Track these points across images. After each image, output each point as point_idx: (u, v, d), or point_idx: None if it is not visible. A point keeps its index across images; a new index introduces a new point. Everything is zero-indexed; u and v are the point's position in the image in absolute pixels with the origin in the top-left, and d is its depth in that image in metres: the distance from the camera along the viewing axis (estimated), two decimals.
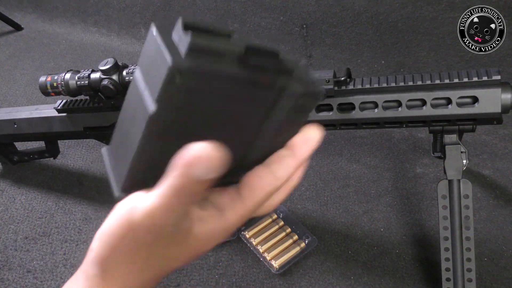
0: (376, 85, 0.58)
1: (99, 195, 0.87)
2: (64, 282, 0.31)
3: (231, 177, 0.28)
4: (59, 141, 0.92)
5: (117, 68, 0.67)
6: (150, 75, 0.23)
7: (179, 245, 0.28)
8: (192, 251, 0.28)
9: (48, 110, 0.80)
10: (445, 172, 0.59)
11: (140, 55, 0.24)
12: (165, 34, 0.23)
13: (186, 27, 0.22)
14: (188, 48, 0.21)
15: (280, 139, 0.29)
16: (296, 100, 0.27)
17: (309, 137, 0.29)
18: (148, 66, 0.23)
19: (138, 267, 0.28)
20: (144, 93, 0.23)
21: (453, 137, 0.59)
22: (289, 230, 0.75)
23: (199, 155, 0.23)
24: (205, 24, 0.23)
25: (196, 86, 0.22)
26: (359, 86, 0.59)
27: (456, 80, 0.55)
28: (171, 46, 0.22)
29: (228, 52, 0.23)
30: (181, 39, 0.22)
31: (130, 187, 0.26)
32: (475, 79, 0.54)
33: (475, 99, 0.54)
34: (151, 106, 0.22)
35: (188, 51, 0.22)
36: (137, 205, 0.26)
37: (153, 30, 0.23)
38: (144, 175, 0.26)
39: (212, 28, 0.23)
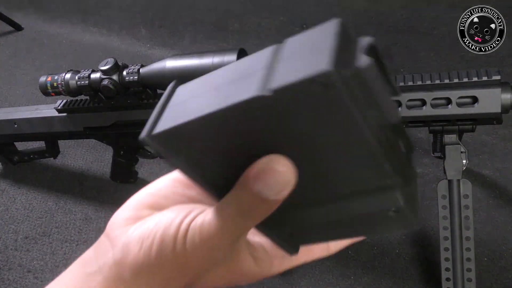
0: None
1: (100, 195, 0.87)
2: None
3: (286, 231, 0.26)
4: (59, 141, 0.92)
5: (117, 68, 0.67)
6: (292, 58, 0.19)
7: (227, 272, 0.26)
8: (228, 280, 0.27)
9: (48, 110, 0.80)
10: (445, 172, 0.59)
11: (304, 33, 0.21)
12: (344, 37, 0.19)
13: (370, 52, 0.20)
14: (358, 68, 0.19)
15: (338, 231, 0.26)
16: (382, 211, 0.23)
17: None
18: (300, 48, 0.20)
19: (178, 283, 0.26)
20: (269, 71, 0.20)
21: (453, 137, 0.59)
22: None
23: (267, 169, 0.21)
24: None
25: (321, 103, 0.19)
26: None
27: (456, 80, 0.55)
28: (341, 53, 0.18)
29: (383, 106, 0.20)
30: (357, 57, 0.19)
31: (161, 140, 0.23)
32: (475, 79, 0.54)
33: (475, 99, 0.54)
34: (264, 89, 0.19)
35: (355, 72, 0.19)
36: (195, 218, 0.24)
37: (335, 22, 0.20)
38: (182, 144, 0.23)
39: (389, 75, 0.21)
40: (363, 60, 0.19)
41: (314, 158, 0.22)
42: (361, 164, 0.21)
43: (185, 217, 0.24)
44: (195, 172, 0.24)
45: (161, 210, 0.26)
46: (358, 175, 0.22)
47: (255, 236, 0.28)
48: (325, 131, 0.20)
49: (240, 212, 0.22)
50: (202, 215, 0.24)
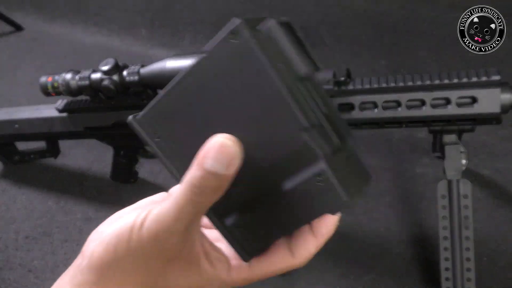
0: (376, 85, 0.58)
1: (100, 195, 0.87)
2: None
3: (244, 229, 0.28)
4: (60, 141, 0.92)
5: (117, 68, 0.67)
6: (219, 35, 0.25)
7: (183, 269, 0.27)
8: (193, 285, 0.28)
9: (49, 110, 0.80)
10: (444, 172, 0.59)
11: None
12: (252, 23, 0.24)
13: (285, 27, 0.25)
14: (265, 27, 0.24)
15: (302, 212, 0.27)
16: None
17: (329, 220, 0.28)
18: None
19: (139, 280, 0.27)
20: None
21: (453, 137, 0.59)
22: None
23: (215, 145, 0.24)
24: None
25: (239, 57, 0.23)
26: (359, 87, 0.59)
27: (455, 80, 0.55)
28: (250, 20, 0.24)
29: (289, 55, 0.24)
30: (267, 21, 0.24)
31: (142, 123, 0.28)
32: (475, 79, 0.54)
33: (474, 99, 0.55)
34: (199, 56, 0.24)
35: (263, 29, 0.24)
36: (151, 210, 0.26)
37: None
38: (157, 125, 0.27)
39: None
40: (270, 21, 0.24)
41: (248, 131, 0.25)
42: (280, 120, 0.24)
43: (141, 212, 0.26)
44: (169, 156, 0.27)
45: None
46: (280, 134, 0.24)
47: (217, 243, 0.30)
48: (249, 89, 0.24)
49: (193, 189, 0.24)
50: (159, 204, 0.26)
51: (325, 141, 0.24)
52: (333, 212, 0.26)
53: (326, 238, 0.28)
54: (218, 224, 0.28)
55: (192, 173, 0.24)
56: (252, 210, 0.27)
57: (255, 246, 0.28)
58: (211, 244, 0.29)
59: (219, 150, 0.23)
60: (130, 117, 0.28)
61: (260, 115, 0.24)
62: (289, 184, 0.25)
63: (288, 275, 0.69)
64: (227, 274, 0.28)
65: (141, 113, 0.28)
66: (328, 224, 0.27)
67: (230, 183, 0.25)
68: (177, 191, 0.25)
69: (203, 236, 0.29)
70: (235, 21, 0.23)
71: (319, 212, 0.26)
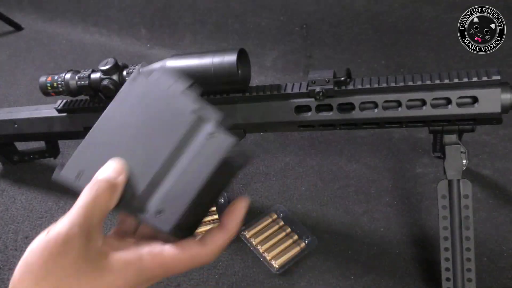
0: (376, 85, 0.58)
1: None
2: None
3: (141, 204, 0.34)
4: (59, 141, 0.92)
5: (117, 68, 0.67)
6: None
7: (94, 269, 0.30)
8: (107, 284, 0.30)
9: (48, 110, 0.80)
10: (444, 172, 0.59)
11: None
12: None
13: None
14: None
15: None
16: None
17: (236, 211, 0.34)
18: None
19: None
20: None
21: (453, 137, 0.59)
22: (289, 230, 0.75)
23: (107, 165, 0.34)
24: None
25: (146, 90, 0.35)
26: (359, 86, 0.59)
27: (456, 80, 0.55)
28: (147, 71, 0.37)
29: (173, 80, 0.35)
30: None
31: (67, 170, 0.36)
32: (475, 79, 0.54)
33: (474, 99, 0.54)
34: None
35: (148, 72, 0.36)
36: (57, 223, 0.30)
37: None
38: (82, 163, 0.36)
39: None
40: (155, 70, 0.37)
41: (152, 133, 0.35)
42: (176, 112, 0.34)
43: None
44: None
45: None
46: (178, 122, 0.34)
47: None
48: (148, 107, 0.35)
49: (92, 191, 0.31)
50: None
51: (211, 115, 0.34)
52: (226, 151, 0.32)
53: (233, 231, 0.34)
54: (132, 213, 0.34)
55: (90, 182, 0.32)
56: (166, 187, 0.33)
57: (173, 217, 0.33)
58: (119, 239, 0.34)
59: (109, 167, 0.33)
60: (55, 174, 0.35)
61: (161, 120, 0.34)
62: (190, 153, 0.33)
63: (289, 275, 0.69)
64: (137, 253, 0.31)
65: (64, 166, 0.36)
66: (234, 219, 0.34)
67: (121, 189, 0.33)
68: (80, 196, 0.31)
69: (105, 236, 0.33)
70: (135, 71, 0.36)
71: (218, 157, 0.32)
